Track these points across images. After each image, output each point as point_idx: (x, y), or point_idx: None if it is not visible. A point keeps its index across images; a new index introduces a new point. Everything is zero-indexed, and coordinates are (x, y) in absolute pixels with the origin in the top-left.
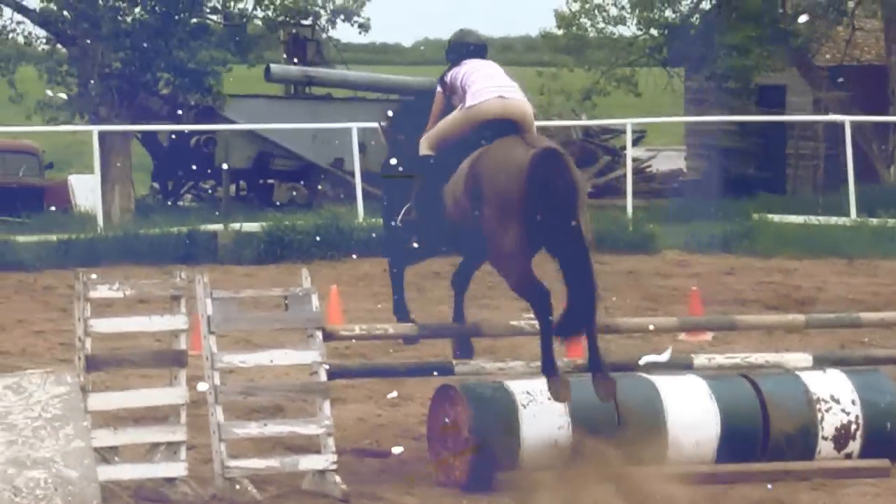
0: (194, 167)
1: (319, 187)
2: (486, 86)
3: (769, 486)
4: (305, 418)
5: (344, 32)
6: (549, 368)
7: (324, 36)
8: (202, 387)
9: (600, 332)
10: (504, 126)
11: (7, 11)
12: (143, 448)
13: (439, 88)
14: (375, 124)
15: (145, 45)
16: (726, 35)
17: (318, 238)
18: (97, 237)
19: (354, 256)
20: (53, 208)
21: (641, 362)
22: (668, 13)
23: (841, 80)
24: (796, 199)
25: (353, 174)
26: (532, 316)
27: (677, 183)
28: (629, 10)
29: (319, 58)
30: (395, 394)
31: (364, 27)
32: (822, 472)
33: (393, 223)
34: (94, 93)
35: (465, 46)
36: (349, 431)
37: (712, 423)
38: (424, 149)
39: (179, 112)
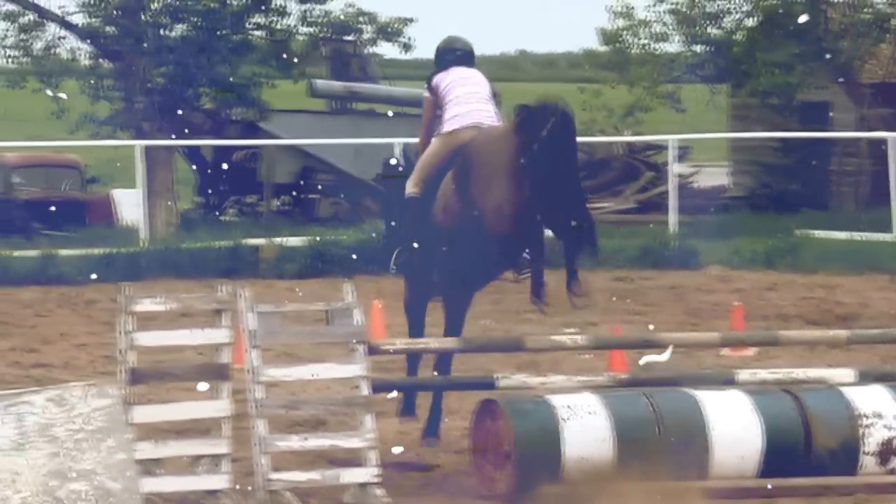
0: (235, 180)
1: (362, 202)
2: (463, 111)
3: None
4: (348, 432)
5: (387, 49)
6: (537, 293)
7: (367, 52)
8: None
9: (638, 348)
10: None
11: (51, 27)
12: (186, 460)
13: (427, 94)
14: (418, 140)
15: (189, 60)
16: (770, 52)
17: (360, 252)
18: (140, 251)
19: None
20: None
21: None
22: (712, 30)
23: None
24: (839, 216)
25: None
26: (573, 331)
27: (720, 199)
28: (673, 27)
29: (363, 73)
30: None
31: (407, 47)
32: (864, 487)
33: (392, 269)
34: (137, 107)
35: (452, 52)
36: (391, 445)
37: (755, 438)
38: (410, 187)
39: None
